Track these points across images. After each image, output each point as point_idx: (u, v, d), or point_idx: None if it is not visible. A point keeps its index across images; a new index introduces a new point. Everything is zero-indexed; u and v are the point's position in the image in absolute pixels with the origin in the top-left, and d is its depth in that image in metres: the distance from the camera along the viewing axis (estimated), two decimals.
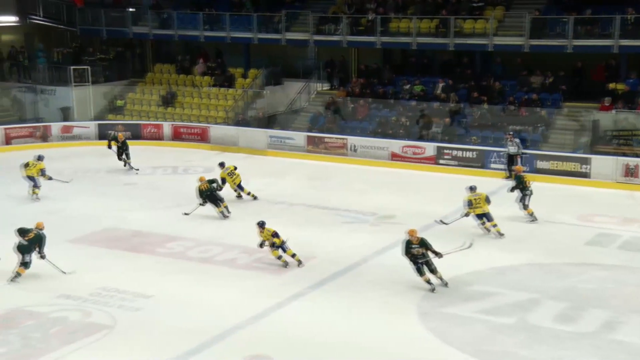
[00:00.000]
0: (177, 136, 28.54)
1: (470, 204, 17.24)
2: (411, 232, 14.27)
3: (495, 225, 17.28)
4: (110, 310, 13.47)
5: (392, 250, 15.80)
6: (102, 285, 14.49)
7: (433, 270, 14.25)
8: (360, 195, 21.29)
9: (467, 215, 17.34)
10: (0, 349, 11.99)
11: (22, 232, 14.97)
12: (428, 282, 14.19)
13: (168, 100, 30.75)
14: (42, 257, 15.01)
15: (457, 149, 24.27)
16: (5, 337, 12.39)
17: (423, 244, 14.14)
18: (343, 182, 23.22)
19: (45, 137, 27.91)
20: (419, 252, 14.12)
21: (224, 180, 20.31)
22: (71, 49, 32.86)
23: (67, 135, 28.20)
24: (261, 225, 15.65)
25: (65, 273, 15.07)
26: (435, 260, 14.21)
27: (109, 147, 24.21)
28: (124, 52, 33.44)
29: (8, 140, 27.14)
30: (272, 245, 15.52)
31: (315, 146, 26.41)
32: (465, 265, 15.14)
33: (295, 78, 30.75)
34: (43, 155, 21.06)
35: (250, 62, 31.55)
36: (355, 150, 25.73)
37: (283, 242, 15.51)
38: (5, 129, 27.33)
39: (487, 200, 17.20)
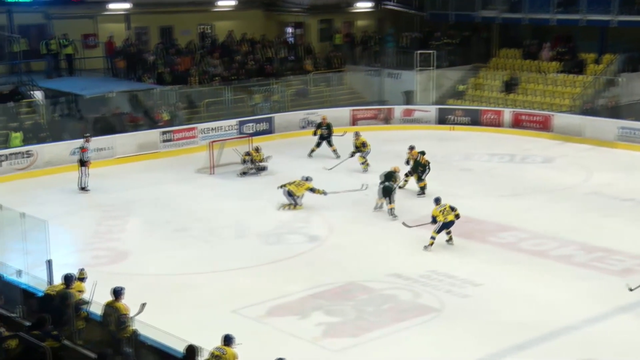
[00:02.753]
0: (517, 123, 28.12)
1: None
2: None
3: None
4: (439, 294, 13.88)
5: None
6: (433, 269, 14.98)
7: None
8: None
9: None
10: (338, 318, 13.07)
11: (387, 175, 18.17)
12: None
13: (510, 86, 30.44)
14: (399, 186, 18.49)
15: None
16: (342, 308, 13.45)
17: None
18: None
19: (387, 120, 29.48)
20: None
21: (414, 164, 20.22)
22: (419, 34, 34.15)
23: (408, 119, 29.45)
24: (436, 201, 16.31)
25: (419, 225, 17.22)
26: None
27: (315, 134, 24.46)
28: (469, 37, 33.83)
29: (354, 121, 29.19)
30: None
31: None
32: None
33: None
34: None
35: (606, 47, 29.81)
36: None
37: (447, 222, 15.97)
38: (352, 110, 29.43)
39: None
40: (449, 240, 16.29)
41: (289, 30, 35.19)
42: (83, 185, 20.46)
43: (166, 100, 26.94)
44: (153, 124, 25.59)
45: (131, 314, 10.54)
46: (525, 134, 27.33)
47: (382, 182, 18.34)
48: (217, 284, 14.49)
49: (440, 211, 16.01)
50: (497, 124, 28.49)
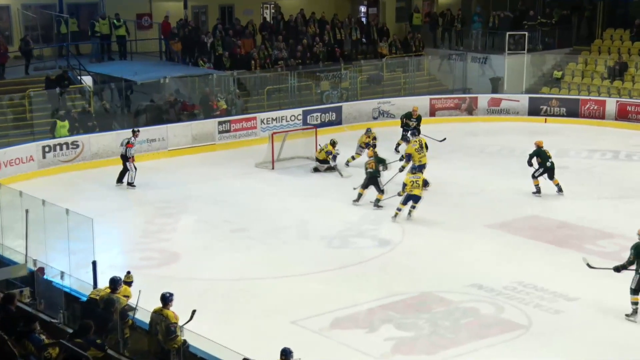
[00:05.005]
0: (623, 115, 27.57)
1: None
2: None
3: None
4: (526, 308, 13.71)
5: None
6: (519, 280, 14.79)
7: None
8: None
9: None
10: (410, 333, 13.03)
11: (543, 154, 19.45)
12: None
13: (616, 73, 29.78)
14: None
15: None
16: (415, 321, 13.40)
17: None
18: None
19: (471, 110, 29.17)
20: None
21: (408, 158, 19.87)
22: (510, 13, 33.67)
23: (495, 109, 29.10)
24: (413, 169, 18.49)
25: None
26: None
27: (402, 125, 23.86)
28: (569, 16, 33.20)
29: (433, 112, 28.99)
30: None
31: None
32: None
33: None
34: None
35: None
36: None
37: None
38: (431, 99, 29.21)
39: None
40: (409, 213, 17.89)
41: (362, 9, 35.20)
42: (130, 181, 20.82)
43: (224, 87, 27.29)
44: (209, 113, 25.94)
45: (181, 323, 10.73)
46: (632, 128, 26.85)
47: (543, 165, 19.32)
48: (276, 291, 14.62)
49: (412, 182, 17.61)
50: (599, 115, 28.00)
